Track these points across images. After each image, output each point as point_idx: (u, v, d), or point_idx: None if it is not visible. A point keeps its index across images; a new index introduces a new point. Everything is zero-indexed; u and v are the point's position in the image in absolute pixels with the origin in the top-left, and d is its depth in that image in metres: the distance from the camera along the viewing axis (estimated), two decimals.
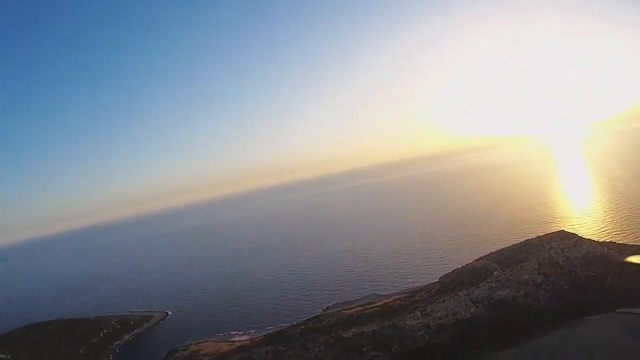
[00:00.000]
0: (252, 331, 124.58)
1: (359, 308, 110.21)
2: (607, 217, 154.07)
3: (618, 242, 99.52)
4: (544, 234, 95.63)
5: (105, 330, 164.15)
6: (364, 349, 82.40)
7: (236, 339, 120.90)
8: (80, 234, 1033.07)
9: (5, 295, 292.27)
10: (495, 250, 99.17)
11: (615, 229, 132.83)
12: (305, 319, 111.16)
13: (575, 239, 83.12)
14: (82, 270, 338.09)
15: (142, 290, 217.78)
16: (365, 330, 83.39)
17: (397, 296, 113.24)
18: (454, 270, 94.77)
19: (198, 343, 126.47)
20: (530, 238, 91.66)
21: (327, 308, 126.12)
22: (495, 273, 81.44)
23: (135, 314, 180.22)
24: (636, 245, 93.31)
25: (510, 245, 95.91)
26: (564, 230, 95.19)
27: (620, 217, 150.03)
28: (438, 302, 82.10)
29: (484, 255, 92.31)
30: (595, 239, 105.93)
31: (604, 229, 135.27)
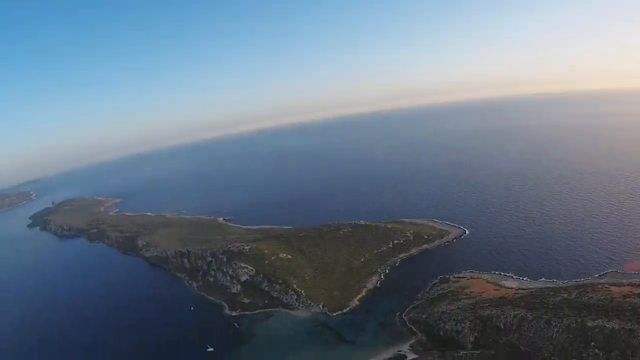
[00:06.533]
0: (524, 279, 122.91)
1: (629, 288, 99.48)
2: None
3: None
4: None
5: (396, 241, 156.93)
6: (592, 343, 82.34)
7: (505, 283, 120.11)
8: None
9: None
10: None
11: None
12: (574, 283, 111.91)
13: None
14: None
15: (450, 201, 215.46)
16: (607, 326, 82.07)
17: None
18: None
19: (471, 278, 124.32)
20: None
21: (602, 274, 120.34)
22: None
23: (434, 226, 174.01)
24: None
25: None
26: None
27: None
28: None
29: None
30: None
31: None
